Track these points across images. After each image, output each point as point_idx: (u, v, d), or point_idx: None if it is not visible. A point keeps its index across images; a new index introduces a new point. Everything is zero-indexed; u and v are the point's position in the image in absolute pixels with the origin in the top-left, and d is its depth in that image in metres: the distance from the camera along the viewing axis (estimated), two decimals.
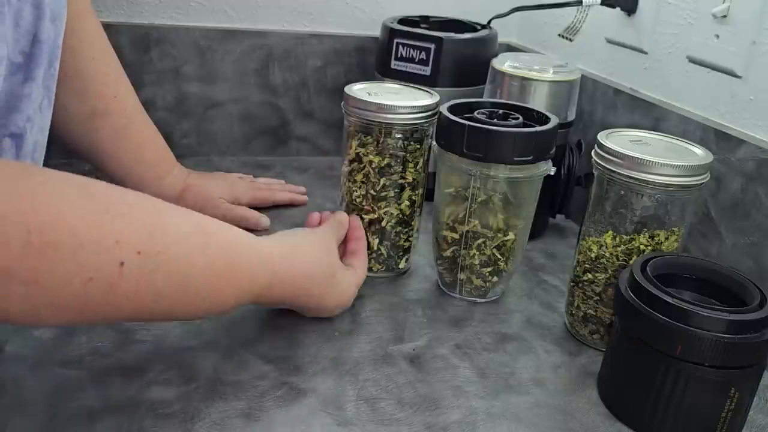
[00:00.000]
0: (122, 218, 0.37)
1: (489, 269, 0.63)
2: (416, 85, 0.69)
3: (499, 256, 0.62)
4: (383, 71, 0.84)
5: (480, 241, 0.61)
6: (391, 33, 0.82)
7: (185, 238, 0.41)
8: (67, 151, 0.68)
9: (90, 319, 0.38)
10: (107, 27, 0.66)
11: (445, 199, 0.63)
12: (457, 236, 0.62)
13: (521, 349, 0.58)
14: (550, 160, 0.61)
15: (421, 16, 0.90)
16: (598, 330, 0.59)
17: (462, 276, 0.63)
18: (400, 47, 0.82)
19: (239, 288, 0.45)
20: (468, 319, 0.62)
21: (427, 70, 0.81)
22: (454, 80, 0.82)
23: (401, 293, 0.65)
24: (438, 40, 0.80)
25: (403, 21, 0.87)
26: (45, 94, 0.49)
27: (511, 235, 0.62)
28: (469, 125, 0.58)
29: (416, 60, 0.81)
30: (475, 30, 0.86)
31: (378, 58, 0.86)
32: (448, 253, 0.63)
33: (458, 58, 0.81)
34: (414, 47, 0.81)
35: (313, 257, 0.54)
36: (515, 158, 0.58)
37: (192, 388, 0.49)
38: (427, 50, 0.81)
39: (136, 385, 0.49)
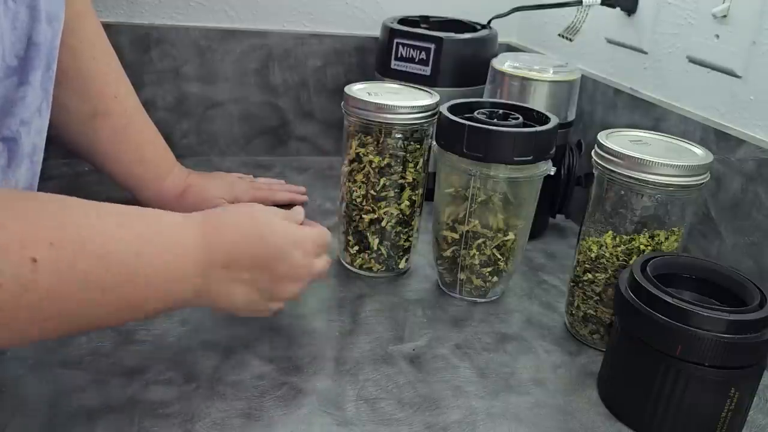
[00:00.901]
0: (25, 218, 0.36)
1: (489, 269, 0.63)
2: (416, 85, 0.69)
3: (499, 256, 0.62)
4: (383, 71, 0.84)
5: (480, 241, 0.61)
6: (391, 33, 0.82)
7: (98, 237, 0.39)
8: (67, 151, 0.68)
9: (14, 331, 0.36)
10: (107, 27, 0.66)
11: (445, 199, 0.63)
12: (457, 236, 0.62)
13: (521, 349, 0.58)
14: (550, 160, 0.61)
15: (421, 16, 0.90)
16: (598, 330, 0.59)
17: (462, 276, 0.63)
18: (400, 47, 0.82)
19: (171, 288, 0.43)
20: (468, 319, 0.62)
21: (427, 70, 0.81)
22: (454, 80, 0.82)
23: (401, 293, 0.65)
24: (438, 40, 0.80)
25: (403, 21, 0.87)
26: (43, 96, 0.48)
27: (511, 235, 0.62)
28: (469, 125, 0.58)
29: (416, 60, 0.81)
30: (475, 30, 0.86)
31: (378, 58, 0.86)
32: (448, 253, 0.63)
33: (458, 58, 0.81)
34: (414, 47, 0.81)
35: (250, 234, 0.49)
36: (515, 158, 0.58)
37: (192, 388, 0.49)
38: (427, 50, 0.81)
39: (136, 385, 0.49)
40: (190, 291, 0.45)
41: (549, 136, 0.60)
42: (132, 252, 0.40)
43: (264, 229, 0.49)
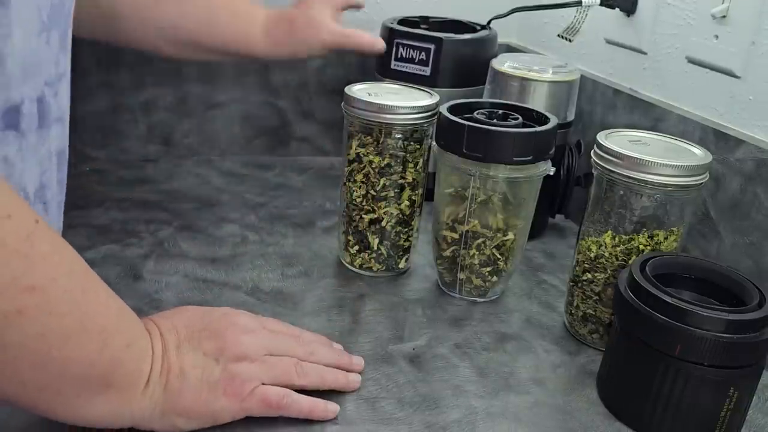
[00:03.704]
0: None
1: (489, 269, 0.63)
2: (416, 86, 0.69)
3: (499, 256, 0.62)
4: (383, 71, 0.84)
5: (480, 240, 0.62)
6: (390, 33, 0.82)
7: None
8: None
9: None
10: None
11: (445, 199, 0.63)
12: (456, 236, 0.62)
13: (521, 348, 0.58)
14: (549, 160, 0.62)
15: (420, 17, 0.90)
16: (597, 329, 0.59)
17: (462, 276, 0.64)
18: (400, 47, 0.82)
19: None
20: (468, 319, 0.62)
21: (426, 71, 0.81)
22: (453, 81, 0.82)
23: (401, 293, 0.65)
24: (438, 41, 0.80)
25: (402, 21, 0.87)
26: (66, 61, 0.47)
27: (510, 235, 0.62)
28: (468, 125, 0.58)
29: (416, 60, 0.81)
30: (474, 30, 0.86)
31: (378, 58, 0.86)
32: (447, 252, 0.63)
33: (458, 58, 0.82)
34: (414, 48, 0.81)
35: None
36: (515, 158, 0.58)
37: None
38: (427, 51, 0.81)
39: None
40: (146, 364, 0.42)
41: (548, 136, 0.60)
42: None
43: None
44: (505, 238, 0.62)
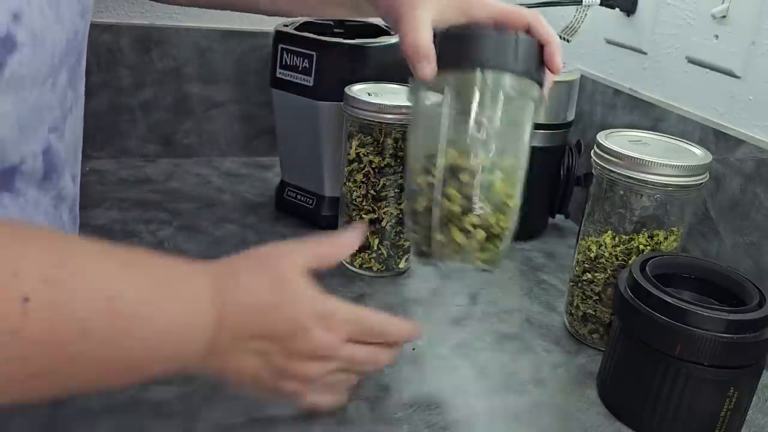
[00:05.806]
0: (17, 249, 0.30)
1: (471, 217, 0.46)
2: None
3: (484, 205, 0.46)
4: (272, 81, 0.74)
5: (462, 176, 0.46)
6: (276, 37, 0.72)
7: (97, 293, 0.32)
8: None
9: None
10: (108, 27, 0.66)
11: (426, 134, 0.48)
12: (432, 180, 0.47)
13: (521, 348, 0.58)
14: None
15: (336, 21, 0.78)
16: (597, 329, 0.59)
17: (440, 237, 0.48)
18: (285, 53, 0.72)
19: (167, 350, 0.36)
20: (468, 319, 0.62)
21: (309, 80, 0.70)
22: (341, 94, 0.66)
23: (401, 293, 0.65)
24: (320, 47, 0.70)
25: (311, 24, 0.75)
26: (73, 95, 0.43)
27: (498, 174, 0.47)
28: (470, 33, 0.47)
29: (299, 68, 0.70)
30: (390, 36, 0.75)
31: (270, 64, 0.75)
32: (421, 204, 0.48)
33: (347, 67, 0.69)
34: (297, 54, 0.70)
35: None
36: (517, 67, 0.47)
37: (192, 388, 0.49)
38: (310, 57, 0.70)
39: (137, 385, 0.49)
40: (201, 349, 0.37)
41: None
42: (140, 298, 0.34)
43: (284, 296, 0.41)
44: (492, 177, 0.46)
